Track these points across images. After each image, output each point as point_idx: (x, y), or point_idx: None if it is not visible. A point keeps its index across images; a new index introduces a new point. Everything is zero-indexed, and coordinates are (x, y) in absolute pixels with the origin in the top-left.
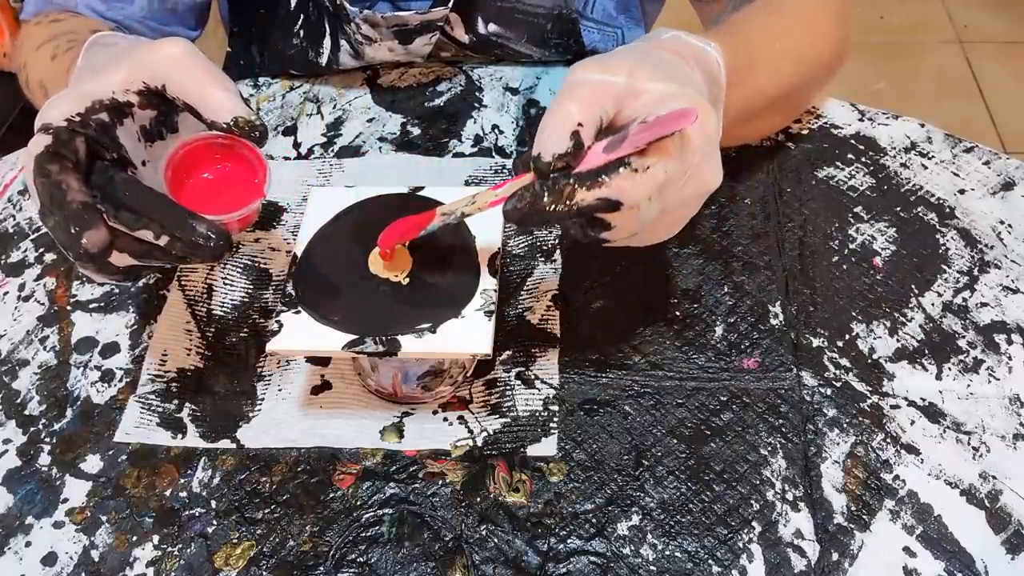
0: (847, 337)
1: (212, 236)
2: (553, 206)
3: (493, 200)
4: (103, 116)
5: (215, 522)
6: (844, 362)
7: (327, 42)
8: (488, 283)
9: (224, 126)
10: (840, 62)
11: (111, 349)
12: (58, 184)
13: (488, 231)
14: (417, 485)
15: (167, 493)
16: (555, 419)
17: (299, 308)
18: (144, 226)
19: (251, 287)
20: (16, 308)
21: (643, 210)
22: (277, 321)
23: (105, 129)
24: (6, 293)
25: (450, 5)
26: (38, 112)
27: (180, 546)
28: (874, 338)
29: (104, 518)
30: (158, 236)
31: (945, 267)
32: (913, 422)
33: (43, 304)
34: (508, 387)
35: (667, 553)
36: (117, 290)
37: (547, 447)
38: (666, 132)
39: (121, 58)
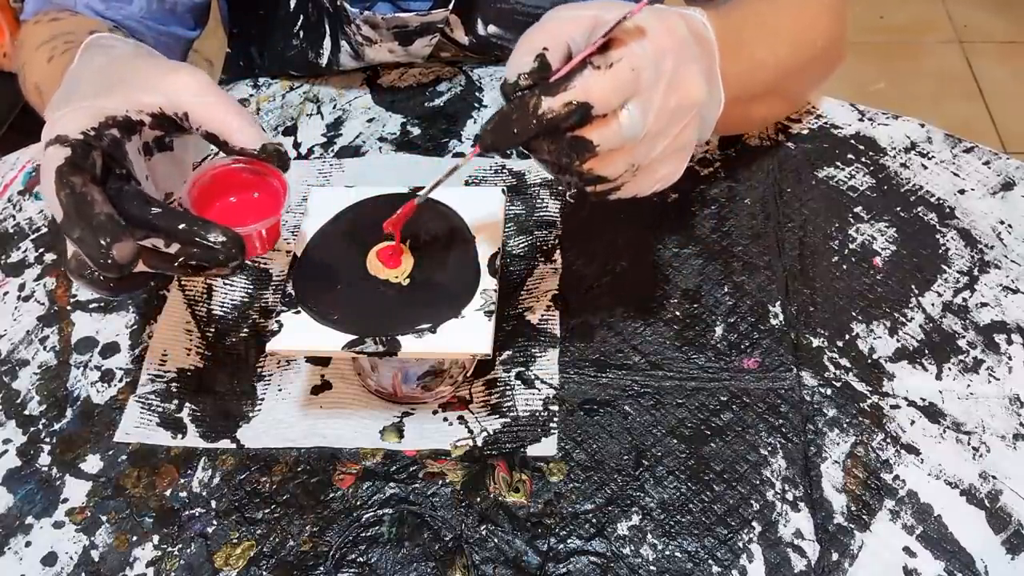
0: (847, 337)
1: (225, 240)
2: (521, 121)
3: (471, 153)
4: (114, 132)
5: (215, 522)
6: (844, 362)
7: (327, 43)
8: (488, 283)
9: (253, 152)
10: (838, 55)
11: (111, 349)
12: (83, 196)
13: (488, 231)
14: (417, 485)
15: (167, 493)
16: (555, 419)
17: (299, 308)
18: (158, 235)
19: (251, 287)
20: (16, 308)
21: (624, 121)
22: (277, 321)
23: (116, 144)
24: (6, 293)
25: (450, 7)
26: (38, 113)
27: (180, 546)
28: (874, 338)
29: (104, 518)
30: (169, 244)
31: (945, 267)
32: (913, 422)
33: (43, 304)
34: (508, 387)
35: (667, 553)
36: None
37: (547, 447)
38: (616, 22)
39: (135, 79)
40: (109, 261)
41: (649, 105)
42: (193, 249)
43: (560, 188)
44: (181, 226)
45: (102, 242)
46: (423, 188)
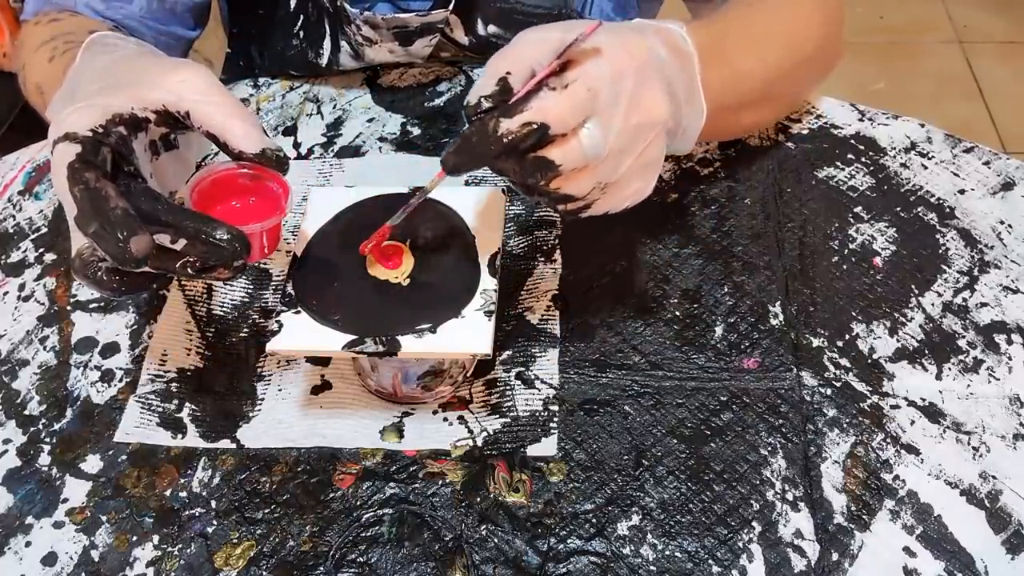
0: (847, 337)
1: (230, 237)
2: (482, 143)
3: (435, 177)
4: (121, 129)
5: (215, 522)
6: (844, 362)
7: (327, 43)
8: (488, 283)
9: (252, 156)
10: (834, 55)
11: (111, 349)
12: (97, 191)
13: (488, 231)
14: (417, 485)
15: (167, 493)
16: (555, 419)
17: (299, 308)
18: (166, 231)
19: (251, 287)
20: (16, 308)
21: (584, 140)
22: (277, 321)
23: (123, 141)
24: (6, 293)
25: (450, 7)
26: (39, 114)
27: (180, 546)
28: (874, 338)
29: (104, 518)
30: (175, 240)
31: (945, 267)
32: (913, 422)
33: (43, 304)
34: (508, 387)
35: (667, 553)
36: None
37: (547, 447)
38: (570, 43)
39: (140, 77)
40: (126, 255)
41: (610, 124)
42: (200, 247)
43: None
44: (188, 223)
45: (119, 236)
46: (423, 188)
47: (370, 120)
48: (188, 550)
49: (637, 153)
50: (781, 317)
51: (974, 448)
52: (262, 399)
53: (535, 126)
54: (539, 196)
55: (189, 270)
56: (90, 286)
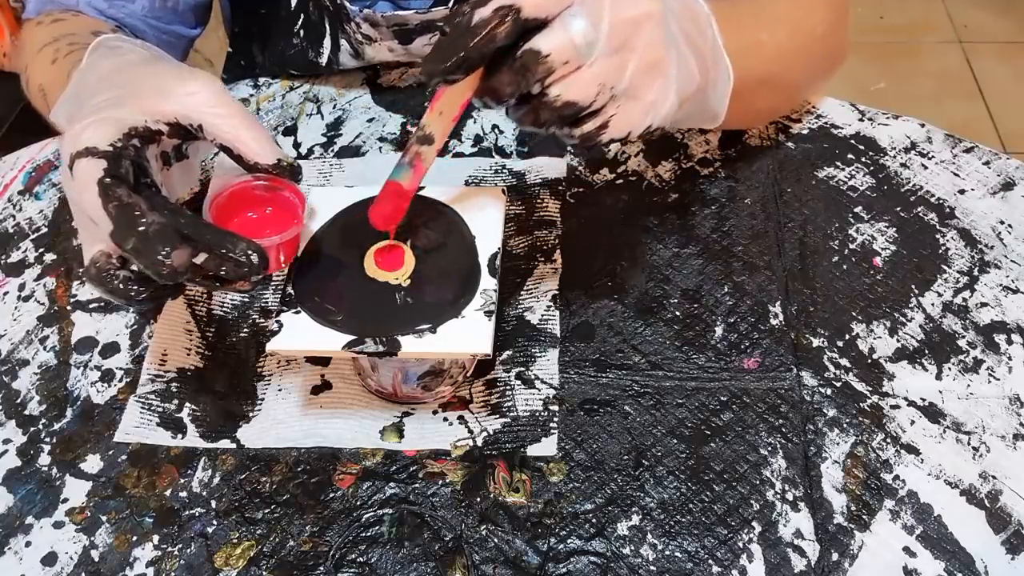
0: (847, 337)
1: (252, 253)
2: (458, 40)
3: (431, 102)
4: (136, 142)
5: (215, 522)
6: (844, 362)
7: (327, 42)
8: (488, 283)
9: (267, 167)
10: (839, 51)
11: (111, 349)
12: (131, 207)
13: (488, 231)
14: (417, 485)
15: (167, 493)
16: (555, 419)
17: (299, 308)
18: (187, 245)
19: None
20: (16, 308)
21: (569, 23)
22: (277, 321)
23: (139, 154)
24: (6, 293)
25: (450, 5)
26: (41, 115)
27: (180, 546)
28: (874, 338)
29: (104, 518)
30: (196, 254)
31: (945, 267)
32: (913, 422)
33: (43, 304)
34: (508, 387)
35: (667, 553)
36: None
37: (547, 447)
38: None
39: (150, 86)
40: (166, 270)
41: (598, 14)
42: (220, 261)
43: (560, 188)
44: (209, 237)
45: (160, 251)
46: (423, 188)
47: (370, 120)
48: (188, 550)
49: (639, 50)
50: (781, 317)
51: (974, 448)
52: (262, 399)
53: (508, 9)
54: (545, 115)
55: (217, 283)
56: (106, 295)
